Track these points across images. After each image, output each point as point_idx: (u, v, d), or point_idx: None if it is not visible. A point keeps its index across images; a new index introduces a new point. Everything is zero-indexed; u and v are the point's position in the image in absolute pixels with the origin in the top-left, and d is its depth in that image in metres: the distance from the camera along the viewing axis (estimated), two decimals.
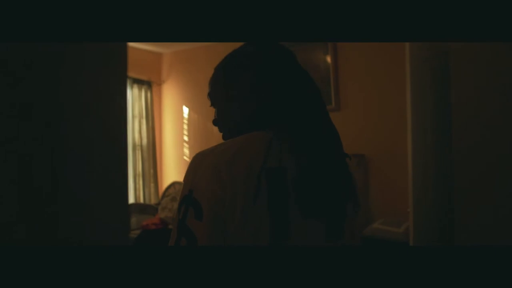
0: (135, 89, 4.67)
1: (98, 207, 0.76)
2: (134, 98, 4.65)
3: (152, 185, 4.75)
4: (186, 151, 4.76)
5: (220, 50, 1.16)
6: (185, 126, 4.76)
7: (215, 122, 0.87)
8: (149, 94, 4.81)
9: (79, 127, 0.73)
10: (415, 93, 1.68)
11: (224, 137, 0.85)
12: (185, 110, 4.76)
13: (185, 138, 4.78)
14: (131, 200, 4.41)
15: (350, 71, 3.38)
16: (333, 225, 0.74)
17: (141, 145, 4.68)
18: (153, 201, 4.67)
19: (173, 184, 4.37)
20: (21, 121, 0.64)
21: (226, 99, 0.82)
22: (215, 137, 2.36)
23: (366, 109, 3.28)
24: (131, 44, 4.01)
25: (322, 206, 0.71)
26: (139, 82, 4.67)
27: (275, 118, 0.74)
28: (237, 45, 0.85)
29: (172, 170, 4.88)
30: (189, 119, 4.72)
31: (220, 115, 0.85)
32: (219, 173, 0.65)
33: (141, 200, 4.61)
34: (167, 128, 4.98)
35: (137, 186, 4.62)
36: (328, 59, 3.47)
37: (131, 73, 4.53)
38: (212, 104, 0.88)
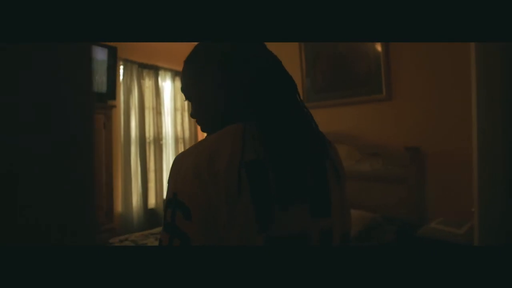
0: (177, 82, 4.64)
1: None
2: (176, 91, 4.62)
3: None
4: None
5: None
6: None
7: (192, 115, 0.88)
8: None
9: None
10: (482, 84, 1.48)
11: (202, 130, 0.86)
12: None
13: None
14: None
15: (404, 58, 3.12)
16: (316, 205, 0.75)
17: (184, 138, 4.66)
18: None
19: None
20: None
21: (196, 93, 0.84)
22: None
23: (422, 99, 3.00)
24: None
25: (302, 193, 0.73)
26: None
27: (245, 110, 0.75)
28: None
29: None
30: None
31: (194, 108, 0.86)
32: (199, 174, 0.66)
33: None
34: None
35: None
36: (378, 45, 3.23)
37: (174, 66, 4.51)
38: (187, 98, 0.88)
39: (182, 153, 0.73)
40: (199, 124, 0.87)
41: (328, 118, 3.60)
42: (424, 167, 2.96)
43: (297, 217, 0.72)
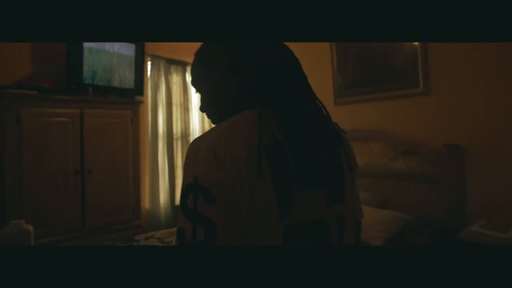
0: None
1: None
2: None
3: None
4: None
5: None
6: None
7: (202, 109, 0.88)
8: None
9: None
10: None
11: (213, 123, 0.86)
12: None
13: None
14: None
15: (445, 49, 2.92)
16: (333, 191, 0.76)
17: None
18: None
19: None
20: None
21: (207, 84, 0.84)
22: None
23: (466, 94, 2.79)
24: None
25: (320, 177, 0.74)
26: None
27: (258, 99, 0.74)
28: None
29: None
30: None
31: (204, 101, 0.87)
32: (219, 157, 0.65)
33: None
34: None
35: None
36: None
37: None
38: (197, 91, 0.89)
39: (197, 138, 0.72)
40: (210, 117, 0.87)
41: (360, 114, 3.45)
42: (463, 166, 2.76)
43: (316, 203, 0.73)
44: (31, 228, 1.42)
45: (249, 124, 0.69)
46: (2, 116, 2.71)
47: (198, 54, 0.87)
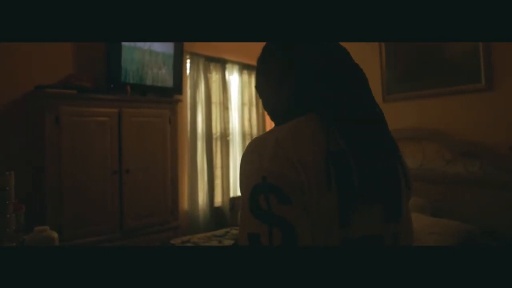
0: (245, 75, 4.46)
1: None
2: (244, 85, 4.45)
3: None
4: None
5: None
6: None
7: (263, 106, 0.88)
8: None
9: None
10: None
11: (271, 119, 0.86)
12: None
13: None
14: None
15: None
16: (391, 207, 0.72)
17: (251, 134, 4.48)
18: None
19: None
20: None
21: (264, 86, 0.85)
22: None
23: None
24: None
25: (380, 191, 0.70)
26: (248, 67, 4.45)
27: (312, 103, 0.73)
28: None
29: None
30: None
31: (263, 102, 0.87)
32: (288, 156, 0.62)
33: None
34: None
35: None
36: None
37: (241, 58, 4.33)
38: (259, 94, 0.89)
39: (258, 137, 0.69)
40: (271, 118, 0.86)
41: (412, 112, 3.16)
42: None
43: (374, 218, 0.70)
44: (55, 235, 1.34)
45: (313, 128, 0.67)
46: (42, 115, 2.71)
47: (259, 59, 0.87)
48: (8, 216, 1.61)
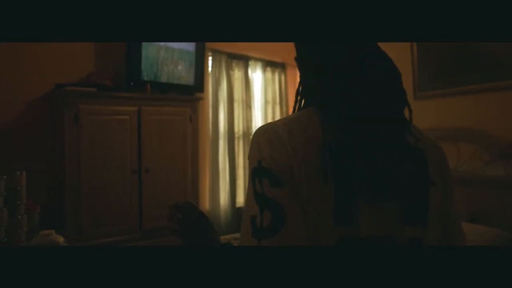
0: (268, 73, 4.34)
1: None
2: (267, 82, 4.34)
3: None
4: None
5: None
6: None
7: None
8: (283, 78, 4.44)
9: None
10: None
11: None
12: None
13: None
14: None
15: None
16: (410, 207, 0.69)
17: None
18: None
19: None
20: None
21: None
22: None
23: None
24: None
25: (392, 188, 0.67)
26: (272, 64, 4.33)
27: (316, 97, 0.74)
28: None
29: None
30: None
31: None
32: (283, 142, 0.65)
33: None
34: None
35: None
36: None
37: (264, 55, 4.22)
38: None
39: (263, 125, 0.72)
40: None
41: (447, 110, 2.97)
42: None
43: (383, 218, 0.67)
44: (61, 239, 1.27)
45: (313, 121, 0.68)
46: (62, 113, 2.69)
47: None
48: (19, 217, 1.57)
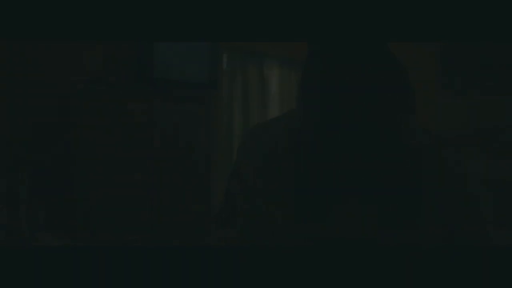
0: (285, 70, 4.29)
1: None
2: (284, 81, 4.28)
3: None
4: None
5: None
6: None
7: None
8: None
9: None
10: None
11: None
12: None
13: None
14: None
15: None
16: (390, 208, 0.66)
17: None
18: None
19: None
20: None
21: None
22: None
23: None
24: None
25: (363, 188, 0.66)
26: (289, 62, 4.28)
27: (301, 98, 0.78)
28: None
29: None
30: None
31: None
32: (255, 139, 0.72)
33: None
34: None
35: None
36: None
37: (281, 52, 4.15)
38: None
39: (256, 124, 0.86)
40: None
41: (483, 110, 2.82)
42: None
43: (364, 220, 0.66)
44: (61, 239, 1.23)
45: (283, 121, 0.76)
46: None
47: None
48: (19, 217, 1.58)
